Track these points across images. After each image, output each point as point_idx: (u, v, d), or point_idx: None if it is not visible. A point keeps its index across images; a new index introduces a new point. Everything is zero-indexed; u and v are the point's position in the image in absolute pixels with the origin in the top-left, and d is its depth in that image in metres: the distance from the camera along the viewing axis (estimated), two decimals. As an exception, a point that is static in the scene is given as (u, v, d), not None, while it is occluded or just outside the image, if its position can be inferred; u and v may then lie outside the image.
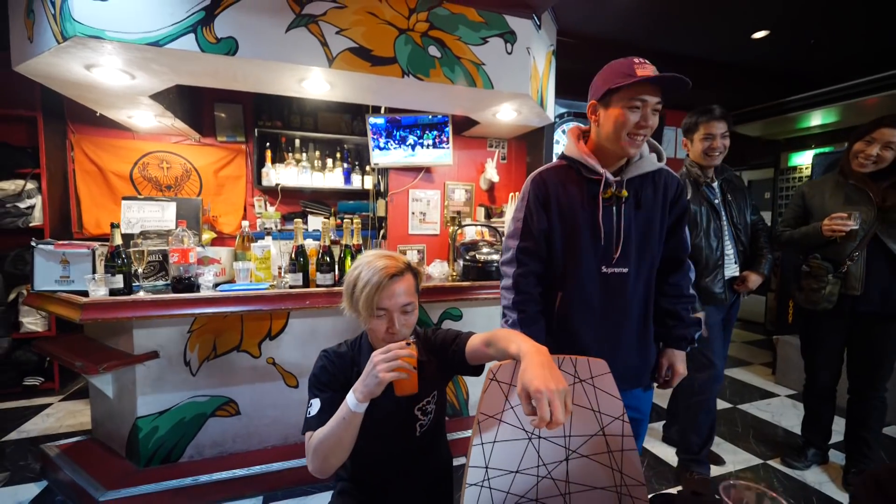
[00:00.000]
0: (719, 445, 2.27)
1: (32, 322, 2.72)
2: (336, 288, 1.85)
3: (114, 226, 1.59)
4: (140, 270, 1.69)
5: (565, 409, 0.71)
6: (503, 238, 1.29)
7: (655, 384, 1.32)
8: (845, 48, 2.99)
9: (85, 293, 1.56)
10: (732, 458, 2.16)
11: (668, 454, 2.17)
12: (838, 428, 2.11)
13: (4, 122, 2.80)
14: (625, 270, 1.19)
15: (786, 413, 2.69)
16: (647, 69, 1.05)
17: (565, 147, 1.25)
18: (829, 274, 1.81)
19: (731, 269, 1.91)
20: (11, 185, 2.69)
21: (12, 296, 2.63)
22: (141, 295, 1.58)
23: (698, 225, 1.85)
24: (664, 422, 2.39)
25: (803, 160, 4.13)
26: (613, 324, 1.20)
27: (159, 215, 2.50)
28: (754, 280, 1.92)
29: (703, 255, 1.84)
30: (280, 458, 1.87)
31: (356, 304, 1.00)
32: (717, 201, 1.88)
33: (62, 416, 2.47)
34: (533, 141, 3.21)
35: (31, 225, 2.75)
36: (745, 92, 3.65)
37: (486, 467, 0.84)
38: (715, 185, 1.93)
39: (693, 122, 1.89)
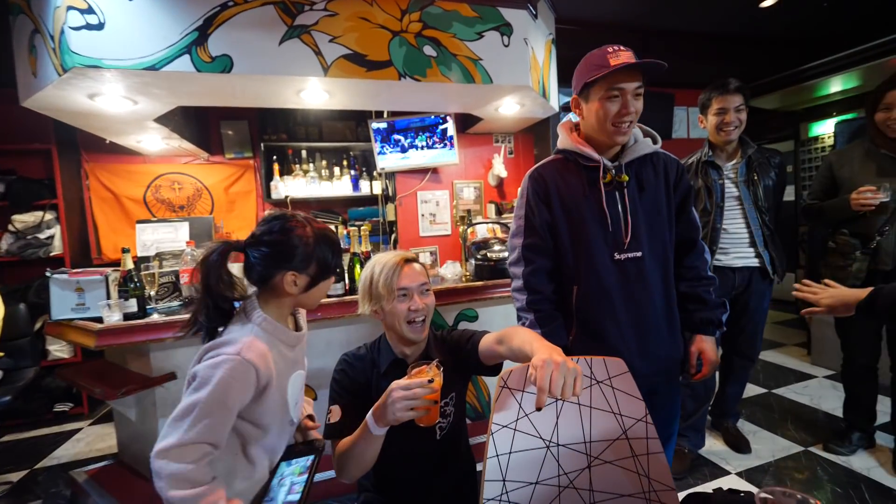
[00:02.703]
0: (754, 434, 2.17)
1: (59, 349, 2.80)
2: (348, 297, 1.83)
3: (124, 250, 1.62)
4: (153, 293, 1.71)
5: (574, 387, 0.70)
6: (510, 238, 1.27)
7: (684, 377, 1.26)
8: (860, 9, 2.83)
9: (101, 320, 1.58)
10: (771, 446, 2.06)
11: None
12: (883, 408, 1.99)
13: (20, 156, 2.89)
14: (639, 254, 1.15)
15: (825, 395, 2.56)
16: (620, 57, 1.04)
17: (559, 141, 1.24)
18: (857, 251, 1.72)
19: (741, 256, 1.85)
20: (31, 218, 2.78)
21: (38, 325, 2.71)
22: (154, 317, 1.60)
23: None
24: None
25: (824, 129, 3.93)
26: (636, 313, 1.15)
27: (173, 236, 2.54)
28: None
29: None
30: (303, 471, 1.87)
31: (375, 290, 1.05)
32: (720, 182, 1.82)
33: (92, 441, 2.54)
34: (539, 133, 3.15)
35: (51, 255, 2.83)
36: (757, 64, 3.50)
37: (504, 480, 0.80)
38: (729, 164, 1.85)
39: (707, 97, 1.84)
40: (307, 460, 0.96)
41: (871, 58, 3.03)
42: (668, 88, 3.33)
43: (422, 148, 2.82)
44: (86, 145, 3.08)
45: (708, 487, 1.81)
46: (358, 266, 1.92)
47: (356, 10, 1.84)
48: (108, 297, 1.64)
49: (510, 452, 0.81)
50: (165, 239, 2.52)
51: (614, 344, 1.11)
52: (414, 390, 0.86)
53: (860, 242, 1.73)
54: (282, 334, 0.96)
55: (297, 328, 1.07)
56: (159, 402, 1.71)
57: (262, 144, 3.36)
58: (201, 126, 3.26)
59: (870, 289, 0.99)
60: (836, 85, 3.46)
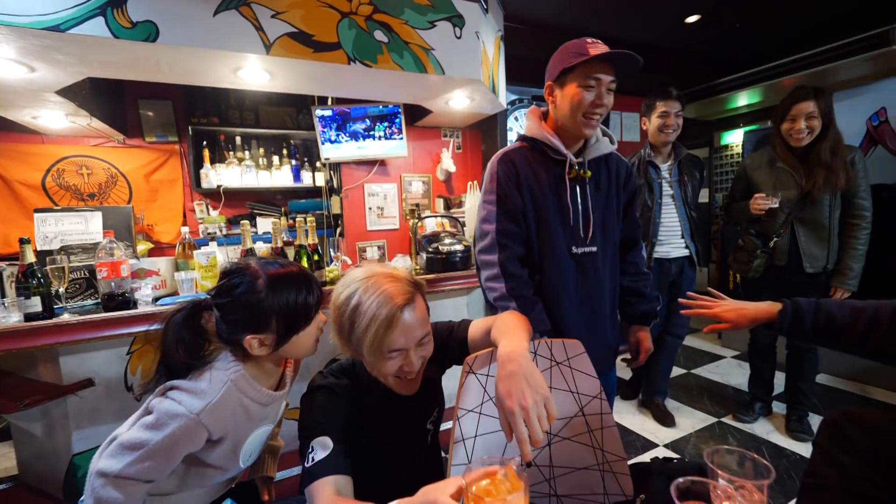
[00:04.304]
0: (678, 409, 2.40)
1: (-67, 359, 2.34)
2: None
3: (23, 241, 1.38)
4: (62, 290, 1.49)
5: (548, 416, 0.66)
6: (479, 224, 1.21)
7: (626, 363, 1.37)
8: (765, 31, 3.22)
9: (-7, 321, 1.34)
10: (691, 419, 2.29)
11: (634, 423, 2.27)
12: (780, 381, 2.30)
13: None
14: (594, 249, 1.20)
15: (733, 373, 2.90)
16: (599, 48, 1.06)
17: (526, 128, 1.24)
18: (759, 249, 1.98)
19: (675, 246, 2.07)
20: None
21: None
22: (65, 317, 1.39)
23: None
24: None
25: (734, 139, 4.43)
26: (590, 305, 1.22)
27: (82, 227, 2.22)
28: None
29: None
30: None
31: (357, 344, 0.82)
32: (658, 181, 2.01)
33: (-19, 463, 2.17)
34: (487, 129, 3.20)
35: (-81, 248, 2.36)
36: (681, 75, 3.84)
37: (470, 464, 0.80)
38: (665, 165, 2.05)
39: (651, 101, 2.04)
40: None
41: (769, 77, 3.47)
42: (604, 92, 3.55)
43: (379, 138, 2.74)
44: (-36, 119, 2.60)
45: (642, 458, 1.98)
46: (305, 259, 1.83)
47: (302, -13, 1.73)
48: (3, 296, 1.40)
49: (475, 436, 0.82)
50: (73, 231, 2.19)
51: (569, 335, 1.16)
52: None
53: (762, 242, 1.99)
54: (254, 393, 0.89)
55: (281, 385, 0.98)
56: (72, 412, 1.51)
57: (189, 128, 3.07)
58: (115, 104, 2.90)
59: (774, 304, 0.95)
60: (744, 99, 3.92)
